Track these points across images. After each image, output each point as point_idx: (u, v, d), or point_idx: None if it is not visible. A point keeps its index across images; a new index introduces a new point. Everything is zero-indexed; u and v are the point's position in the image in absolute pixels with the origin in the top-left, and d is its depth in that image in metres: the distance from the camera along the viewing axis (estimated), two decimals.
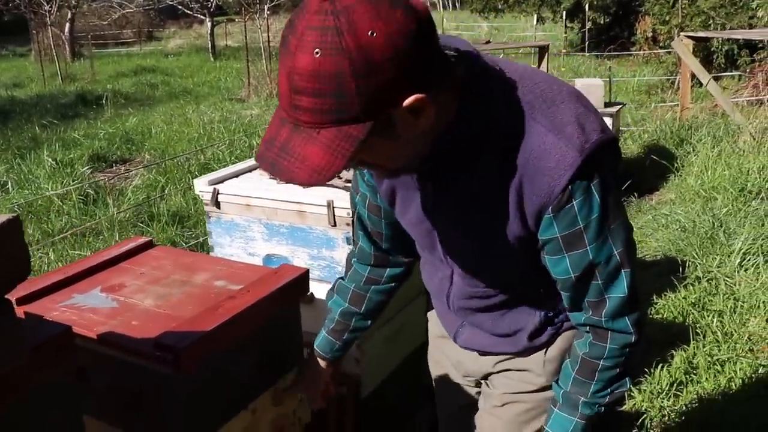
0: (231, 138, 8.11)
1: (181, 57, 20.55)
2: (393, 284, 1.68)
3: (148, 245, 2.09)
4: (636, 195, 5.80)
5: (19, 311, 1.71)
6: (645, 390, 3.10)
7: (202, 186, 2.39)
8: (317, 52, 1.00)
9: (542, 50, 7.10)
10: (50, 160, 7.28)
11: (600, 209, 1.21)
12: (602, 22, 16.81)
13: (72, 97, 12.67)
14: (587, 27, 15.95)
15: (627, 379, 1.39)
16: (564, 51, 14.43)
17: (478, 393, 1.73)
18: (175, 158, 7.06)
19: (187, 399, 1.51)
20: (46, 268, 4.36)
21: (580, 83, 5.63)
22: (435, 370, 1.82)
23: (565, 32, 17.53)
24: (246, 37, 13.57)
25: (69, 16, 20.22)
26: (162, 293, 1.77)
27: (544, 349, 1.53)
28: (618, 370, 1.36)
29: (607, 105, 5.60)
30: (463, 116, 1.20)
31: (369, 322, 1.70)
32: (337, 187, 2.18)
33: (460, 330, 1.60)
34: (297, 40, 1.02)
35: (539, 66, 7.06)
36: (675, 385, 3.11)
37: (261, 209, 2.31)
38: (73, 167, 7.17)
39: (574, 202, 1.20)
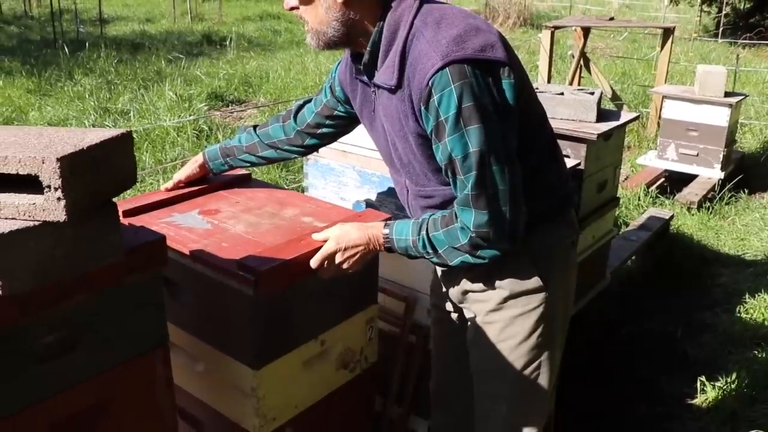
0: None
1: None
2: (284, 155, 2.09)
3: (247, 178, 2.23)
4: (746, 191, 5.59)
5: (123, 222, 1.89)
6: (719, 387, 3.06)
7: None
8: None
9: (667, 32, 6.84)
10: (171, 93, 7.63)
11: (456, 107, 1.46)
12: (742, 7, 15.93)
13: (198, 36, 13.11)
14: (724, 12, 15.16)
15: (462, 258, 1.60)
16: (694, 35, 13.80)
17: (460, 320, 1.93)
18: (287, 102, 7.26)
19: (262, 319, 1.63)
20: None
21: (701, 69, 5.43)
22: (432, 300, 2.07)
23: (699, 15, 16.74)
24: None
25: None
26: (253, 221, 1.89)
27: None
28: (455, 247, 1.59)
29: (727, 95, 5.38)
30: (381, 29, 1.57)
31: (249, 164, 2.13)
32: None
33: None
34: None
35: (662, 48, 6.84)
36: (753, 387, 3.05)
37: (356, 157, 2.41)
38: (191, 102, 7.49)
39: (434, 98, 1.47)
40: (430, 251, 1.63)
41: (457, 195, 1.56)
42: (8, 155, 1.09)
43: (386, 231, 1.68)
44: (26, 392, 1.23)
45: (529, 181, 1.59)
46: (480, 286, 1.76)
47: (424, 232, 1.62)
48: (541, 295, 1.72)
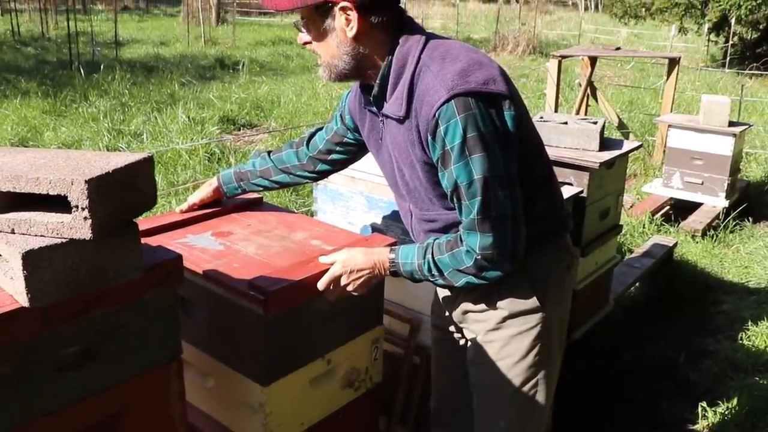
0: None
1: None
2: (296, 180, 2.18)
3: (259, 201, 2.31)
4: (750, 220, 5.64)
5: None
6: (720, 413, 3.10)
7: None
8: None
9: (672, 62, 6.93)
10: (184, 116, 7.76)
11: (462, 138, 1.55)
12: (749, 37, 16.06)
13: (211, 60, 13.30)
14: (731, 42, 15.28)
15: (467, 279, 1.69)
16: (702, 65, 13.91)
17: (460, 340, 2.00)
18: (298, 128, 7.37)
19: (271, 337, 1.69)
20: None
21: (706, 99, 5.50)
22: (432, 320, 2.14)
23: (707, 45, 16.86)
24: None
25: None
26: (263, 244, 1.97)
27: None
28: (460, 269, 1.67)
29: (732, 124, 5.45)
30: (390, 63, 1.67)
31: (262, 188, 2.22)
32: None
33: None
34: None
35: (668, 78, 6.92)
36: (754, 413, 3.09)
37: (364, 183, 2.49)
38: (203, 126, 7.61)
39: (441, 128, 1.57)
40: (435, 273, 1.71)
41: (463, 220, 1.64)
42: (39, 176, 1.17)
43: (392, 256, 1.76)
44: (44, 401, 1.29)
45: (525, 206, 1.67)
46: (480, 306, 1.83)
47: (429, 256, 1.70)
48: (538, 316, 1.80)
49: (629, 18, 18.52)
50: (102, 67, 11.26)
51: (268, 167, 2.16)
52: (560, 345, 1.92)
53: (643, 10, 17.35)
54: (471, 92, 1.55)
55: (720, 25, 15.99)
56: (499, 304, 1.80)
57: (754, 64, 13.70)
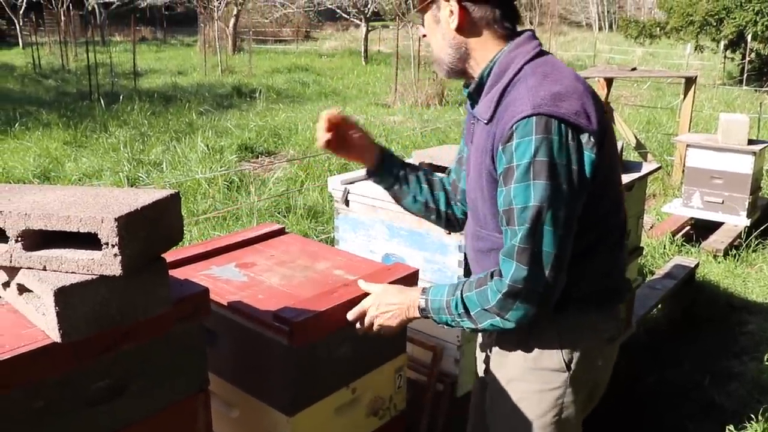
0: None
1: (334, 58, 21.26)
2: (448, 210, 1.98)
3: (281, 232, 2.33)
4: None
5: None
6: None
7: (335, 184, 2.62)
8: None
9: (689, 81, 6.93)
10: (203, 145, 7.83)
11: (531, 158, 1.49)
12: (766, 53, 16.00)
13: (229, 89, 13.45)
14: (748, 58, 15.23)
15: (491, 321, 1.59)
16: (718, 82, 13.87)
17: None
18: (316, 156, 7.42)
19: (296, 367, 1.70)
20: (188, 244, 4.77)
21: (724, 117, 5.49)
22: (477, 351, 2.06)
23: (723, 62, 16.82)
24: (398, 44, 13.83)
25: (234, 12, 21.40)
26: (287, 274, 1.99)
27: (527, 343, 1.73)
28: (486, 308, 1.58)
29: (751, 142, 5.43)
30: (493, 65, 1.65)
31: (412, 203, 1.98)
32: None
33: None
34: None
35: (685, 97, 6.92)
36: None
37: (385, 212, 2.50)
38: (222, 154, 7.68)
39: (513, 142, 1.52)
40: (462, 312, 1.62)
41: (505, 244, 1.56)
42: (70, 215, 1.19)
43: (423, 296, 1.70)
44: None
45: (578, 259, 1.59)
46: (509, 353, 1.77)
47: (458, 292, 1.64)
48: (564, 376, 1.71)
49: (644, 38, 18.52)
50: (121, 97, 11.42)
51: (434, 179, 2.01)
52: (583, 411, 1.82)
53: (658, 29, 17.35)
54: (556, 116, 1.49)
55: (736, 42, 15.95)
56: (527, 355, 1.72)
57: None
